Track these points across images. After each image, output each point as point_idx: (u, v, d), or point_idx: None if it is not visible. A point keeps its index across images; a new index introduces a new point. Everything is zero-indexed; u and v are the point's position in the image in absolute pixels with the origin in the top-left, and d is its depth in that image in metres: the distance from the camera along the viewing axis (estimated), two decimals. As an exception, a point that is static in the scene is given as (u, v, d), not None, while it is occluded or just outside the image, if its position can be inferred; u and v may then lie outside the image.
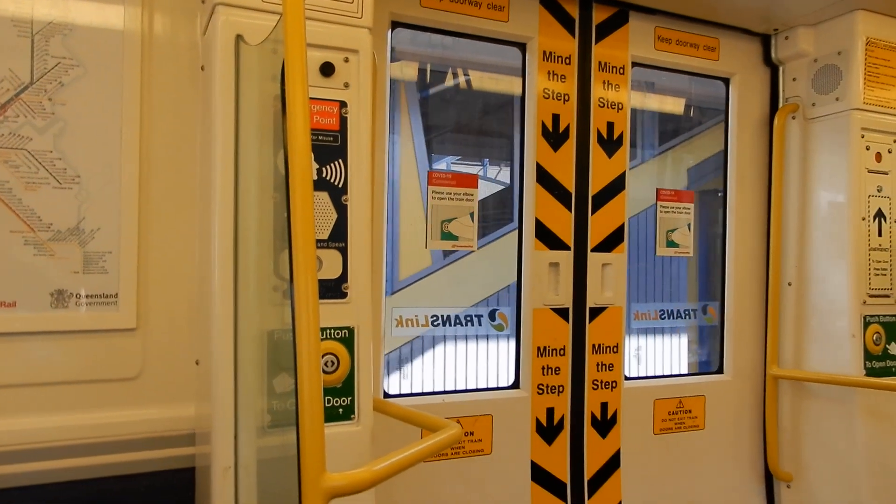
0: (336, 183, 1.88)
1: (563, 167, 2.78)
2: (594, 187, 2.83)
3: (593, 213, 2.83)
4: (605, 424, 2.85)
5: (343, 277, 1.88)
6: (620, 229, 2.88)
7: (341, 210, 1.89)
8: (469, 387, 2.76)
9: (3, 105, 1.87)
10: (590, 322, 2.82)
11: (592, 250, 2.82)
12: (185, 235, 2.08)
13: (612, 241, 2.86)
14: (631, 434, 2.90)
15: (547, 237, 2.75)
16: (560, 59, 2.78)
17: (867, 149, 2.90)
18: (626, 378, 2.93)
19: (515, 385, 2.78)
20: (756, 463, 3.20)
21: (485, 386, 2.81)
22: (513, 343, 2.84)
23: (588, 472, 2.82)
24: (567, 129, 2.78)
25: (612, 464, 2.86)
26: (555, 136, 2.76)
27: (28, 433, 1.87)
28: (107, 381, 1.98)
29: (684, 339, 4.15)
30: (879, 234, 2.93)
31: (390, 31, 2.52)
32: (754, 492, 3.20)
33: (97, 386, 1.97)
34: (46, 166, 1.91)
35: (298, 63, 1.36)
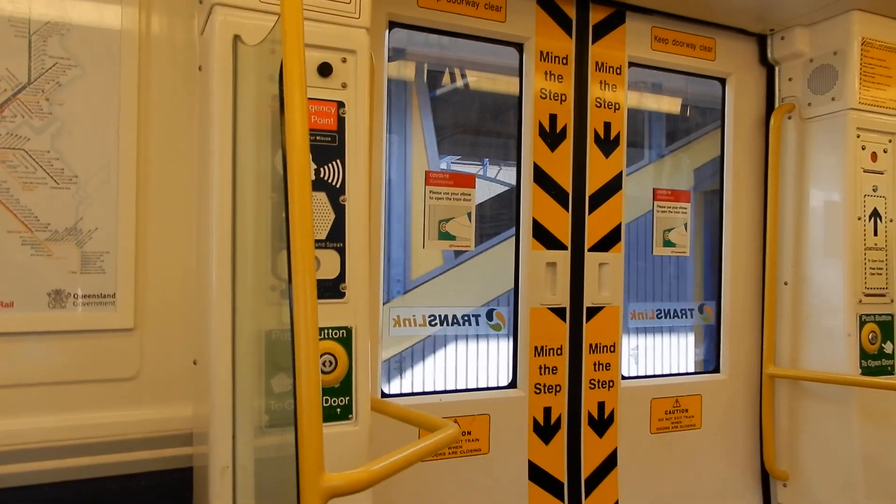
0: (334, 183, 1.88)
1: (560, 167, 2.78)
2: (591, 187, 2.84)
3: (590, 212, 2.83)
4: (601, 424, 2.86)
5: (341, 277, 1.89)
6: (617, 229, 2.89)
7: (339, 210, 1.89)
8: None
9: (1, 105, 1.87)
10: (587, 321, 2.83)
11: (589, 250, 2.83)
12: (182, 235, 2.08)
13: (609, 241, 2.87)
14: (628, 433, 2.91)
15: (544, 237, 2.76)
16: (557, 59, 2.78)
17: (863, 148, 2.91)
18: (623, 377, 2.94)
19: (513, 384, 2.78)
20: (752, 462, 3.21)
21: (489, 385, 2.81)
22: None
23: (585, 472, 2.82)
24: (564, 129, 2.79)
25: (609, 463, 2.87)
26: (552, 137, 2.77)
27: (25, 433, 1.87)
28: (104, 381, 1.98)
29: (691, 338, 4.17)
30: (875, 234, 2.94)
31: (388, 31, 2.52)
32: (750, 490, 3.21)
33: (95, 386, 1.97)
34: (44, 166, 1.91)
35: (297, 63, 1.36)
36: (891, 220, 2.98)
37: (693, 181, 3.65)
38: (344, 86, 1.90)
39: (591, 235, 2.84)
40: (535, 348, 2.74)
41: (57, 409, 1.92)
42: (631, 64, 2.97)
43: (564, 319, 2.79)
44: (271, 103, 1.79)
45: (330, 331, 1.87)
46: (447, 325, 3.00)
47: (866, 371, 2.87)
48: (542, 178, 2.75)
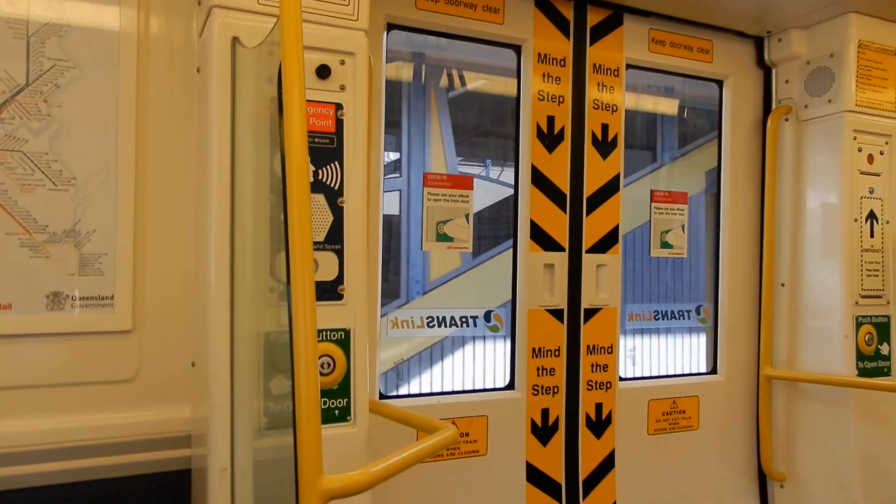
0: (332, 185, 1.89)
1: (557, 169, 2.79)
2: (589, 189, 2.84)
3: (588, 214, 2.84)
4: (599, 425, 2.86)
5: (339, 279, 1.89)
6: (615, 231, 2.89)
7: (337, 212, 1.89)
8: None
9: (-1, 107, 1.87)
10: (584, 323, 2.83)
11: (587, 251, 2.83)
12: (181, 237, 2.08)
13: (606, 243, 2.87)
14: (625, 434, 2.91)
15: (542, 238, 2.76)
16: (555, 61, 2.79)
17: (859, 150, 2.92)
18: (621, 379, 2.95)
19: (510, 386, 2.79)
20: (749, 463, 3.22)
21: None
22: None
23: (583, 473, 2.83)
24: (562, 130, 2.79)
25: (607, 464, 2.87)
26: (550, 138, 2.77)
27: (24, 435, 1.87)
28: (103, 383, 1.98)
29: (690, 339, 4.17)
30: (871, 235, 2.95)
31: (386, 32, 2.52)
32: (748, 492, 3.21)
33: (93, 388, 1.97)
34: (42, 168, 1.91)
35: (295, 65, 1.36)
36: (887, 222, 2.99)
37: (704, 184, 3.66)
38: (342, 88, 1.90)
39: (589, 237, 2.84)
40: (533, 350, 2.74)
41: (55, 411, 1.92)
42: (628, 66, 2.97)
43: (562, 321, 2.80)
44: (270, 105, 1.79)
45: (328, 332, 1.87)
46: (445, 326, 3.00)
47: (863, 372, 2.88)
48: (539, 179, 2.76)
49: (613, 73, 2.90)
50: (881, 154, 2.97)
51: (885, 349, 2.96)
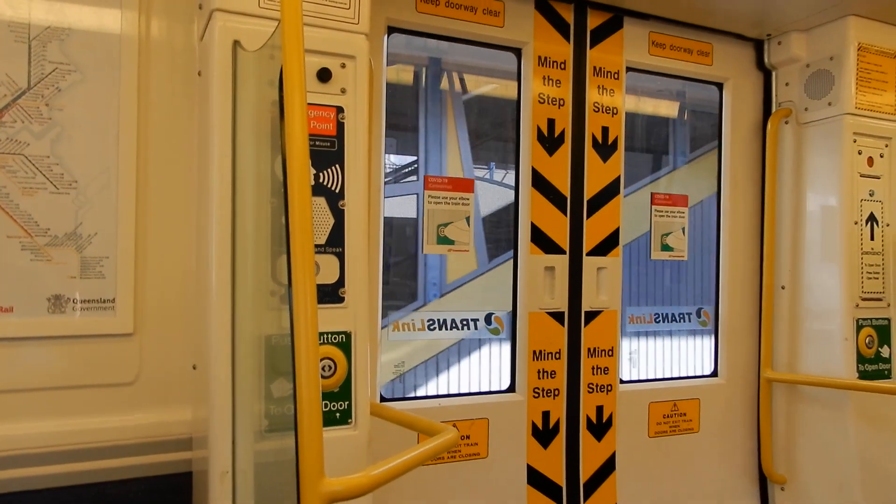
0: (333, 188, 1.89)
1: (558, 171, 2.79)
2: (589, 191, 2.84)
3: (588, 217, 2.84)
4: (600, 428, 2.86)
5: (340, 282, 1.89)
6: (615, 233, 2.89)
7: (338, 215, 1.89)
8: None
9: (0, 110, 1.87)
10: (585, 326, 2.83)
11: (588, 254, 2.83)
12: (182, 240, 2.08)
13: (607, 245, 2.87)
14: (626, 437, 2.91)
15: (542, 241, 2.76)
16: (555, 63, 2.79)
17: (859, 153, 2.92)
18: (622, 381, 2.94)
19: (511, 389, 2.79)
20: (750, 465, 3.22)
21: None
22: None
23: (583, 476, 2.82)
24: (562, 133, 2.79)
25: (608, 467, 2.87)
26: (550, 141, 2.77)
27: (25, 438, 1.87)
28: (104, 385, 1.98)
29: (703, 341, 4.17)
30: (872, 238, 2.95)
31: (386, 36, 2.53)
32: (748, 494, 3.21)
33: (94, 391, 1.97)
34: (44, 171, 1.91)
35: (297, 69, 1.36)
36: (887, 225, 2.99)
37: (717, 187, 3.68)
38: (343, 91, 1.91)
39: (590, 240, 2.84)
40: (534, 352, 2.74)
41: (56, 414, 1.92)
42: (629, 69, 2.98)
43: (563, 324, 2.80)
44: (271, 108, 1.80)
45: (329, 335, 1.87)
46: (446, 329, 3.00)
47: (863, 375, 2.88)
48: (540, 182, 2.76)
49: (614, 76, 2.90)
50: (881, 157, 2.98)
51: (885, 352, 2.96)
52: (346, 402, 1.88)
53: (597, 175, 2.86)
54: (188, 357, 2.07)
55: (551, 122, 2.77)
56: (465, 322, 3.05)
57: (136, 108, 2.02)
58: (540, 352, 2.75)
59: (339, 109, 1.90)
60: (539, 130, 2.75)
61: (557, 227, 2.79)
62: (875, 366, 2.93)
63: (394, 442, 2.21)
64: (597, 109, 2.86)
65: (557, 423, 2.79)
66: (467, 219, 2.68)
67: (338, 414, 1.87)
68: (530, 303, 2.74)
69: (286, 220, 1.36)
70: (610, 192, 2.88)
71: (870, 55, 2.93)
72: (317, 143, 1.87)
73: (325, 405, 1.85)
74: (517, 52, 2.80)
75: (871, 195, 2.95)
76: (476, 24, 2.66)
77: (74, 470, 1.91)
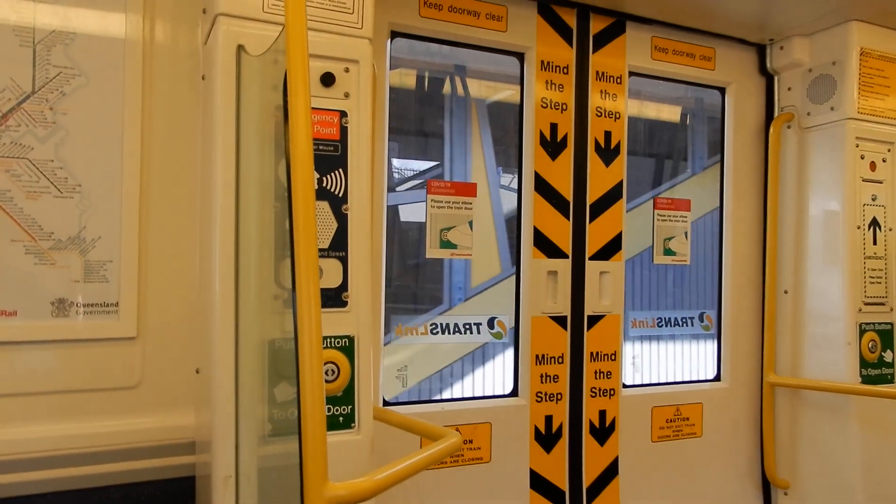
0: (336, 192, 1.89)
1: (561, 176, 2.79)
2: (592, 196, 2.85)
3: (591, 221, 2.84)
4: (603, 432, 2.85)
5: (343, 286, 1.89)
6: (618, 237, 2.89)
7: (342, 219, 1.89)
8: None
9: (5, 114, 1.87)
10: (588, 330, 2.83)
11: (590, 258, 2.83)
12: (185, 244, 2.09)
13: (609, 250, 2.87)
14: (629, 442, 2.91)
15: (545, 245, 2.76)
16: (558, 68, 2.80)
17: (862, 158, 2.92)
18: (624, 386, 2.94)
19: (514, 393, 2.78)
20: (753, 470, 3.21)
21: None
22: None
23: (587, 480, 2.82)
24: (565, 138, 2.80)
25: (611, 471, 2.87)
26: (553, 145, 2.78)
27: (28, 442, 1.87)
28: (107, 389, 1.98)
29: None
30: (874, 243, 2.95)
31: (390, 40, 2.53)
32: (751, 499, 3.20)
33: (97, 395, 1.97)
34: (48, 175, 1.91)
35: (300, 73, 1.37)
36: (890, 229, 2.99)
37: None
38: (346, 95, 1.91)
39: (592, 244, 2.84)
40: (537, 357, 2.74)
41: (60, 418, 1.92)
42: (631, 73, 2.98)
43: (565, 328, 2.80)
44: (274, 113, 1.80)
45: (332, 339, 1.87)
46: (448, 333, 2.99)
47: (866, 380, 2.88)
48: (543, 186, 2.76)
49: (616, 81, 2.91)
50: (884, 161, 2.98)
51: (888, 356, 2.95)
52: (350, 406, 1.88)
53: (599, 179, 2.86)
54: (191, 361, 2.07)
55: (554, 127, 2.78)
56: (467, 326, 3.05)
57: (140, 112, 2.02)
58: (543, 356, 2.75)
59: (343, 114, 1.91)
60: (542, 135, 2.75)
61: (560, 231, 2.79)
62: (878, 370, 2.92)
63: (396, 446, 2.21)
64: (599, 114, 2.86)
65: (560, 428, 2.78)
66: (470, 223, 2.68)
67: (341, 418, 1.87)
68: (533, 307, 2.74)
69: (290, 224, 1.36)
70: (612, 196, 2.89)
71: (872, 60, 2.93)
72: (320, 147, 1.87)
73: (329, 409, 1.85)
74: (520, 57, 2.80)
75: (873, 200, 2.95)
76: (479, 28, 2.66)
77: (78, 474, 1.91)
